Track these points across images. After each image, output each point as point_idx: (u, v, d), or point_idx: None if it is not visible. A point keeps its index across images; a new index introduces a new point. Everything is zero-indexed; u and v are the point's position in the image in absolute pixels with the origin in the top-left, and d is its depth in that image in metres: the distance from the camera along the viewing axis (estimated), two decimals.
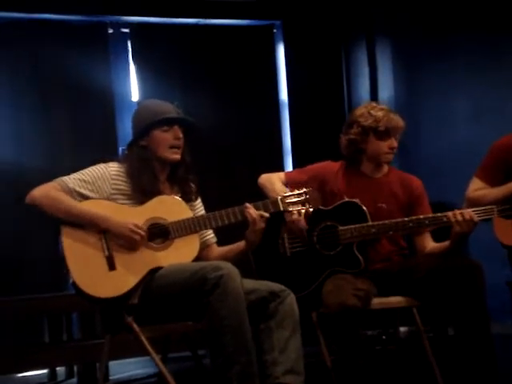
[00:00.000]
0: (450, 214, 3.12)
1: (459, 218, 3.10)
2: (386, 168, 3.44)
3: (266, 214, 2.95)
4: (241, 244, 3.07)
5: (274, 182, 3.37)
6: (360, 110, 3.40)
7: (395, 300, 3.24)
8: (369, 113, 3.35)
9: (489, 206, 3.15)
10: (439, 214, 3.17)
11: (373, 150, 3.36)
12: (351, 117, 3.43)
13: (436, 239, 3.35)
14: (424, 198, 3.40)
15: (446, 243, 3.25)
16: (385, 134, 3.32)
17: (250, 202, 2.96)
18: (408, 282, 3.21)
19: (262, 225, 2.94)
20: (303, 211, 3.03)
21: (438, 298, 3.15)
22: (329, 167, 3.44)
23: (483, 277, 3.07)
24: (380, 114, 3.33)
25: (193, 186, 3.13)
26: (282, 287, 2.91)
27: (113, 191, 2.96)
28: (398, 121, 3.35)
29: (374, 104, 3.42)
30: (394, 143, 3.36)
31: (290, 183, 3.36)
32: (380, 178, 3.42)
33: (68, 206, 2.88)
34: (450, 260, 3.16)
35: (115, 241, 2.89)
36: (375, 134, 3.33)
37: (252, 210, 2.93)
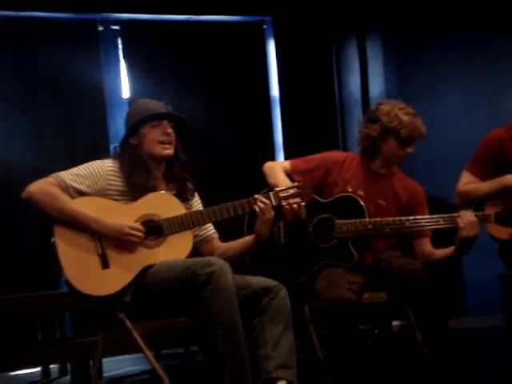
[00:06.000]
0: (454, 216, 3.10)
1: (464, 221, 3.07)
2: (394, 168, 3.40)
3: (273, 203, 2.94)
4: (248, 238, 3.07)
5: (276, 171, 3.33)
6: (386, 108, 3.30)
7: (383, 294, 3.24)
8: (395, 114, 3.26)
9: (486, 213, 3.15)
10: (435, 216, 3.16)
11: (389, 151, 3.30)
12: (376, 112, 3.33)
13: (437, 246, 3.33)
14: (424, 205, 3.37)
15: (449, 250, 3.23)
16: (406, 140, 3.27)
17: (240, 198, 2.95)
18: (383, 279, 3.21)
19: (272, 213, 2.94)
20: (295, 206, 3.02)
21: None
22: (335, 157, 3.41)
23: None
24: (406, 118, 3.25)
25: (189, 185, 3.11)
26: (275, 282, 2.90)
27: (108, 187, 2.95)
28: (421, 129, 3.28)
29: (402, 105, 3.32)
30: (411, 150, 3.30)
31: (296, 172, 3.34)
32: (385, 175, 3.37)
33: (63, 204, 2.86)
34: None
35: (108, 239, 2.88)
36: (396, 138, 3.27)
37: (260, 201, 2.92)
